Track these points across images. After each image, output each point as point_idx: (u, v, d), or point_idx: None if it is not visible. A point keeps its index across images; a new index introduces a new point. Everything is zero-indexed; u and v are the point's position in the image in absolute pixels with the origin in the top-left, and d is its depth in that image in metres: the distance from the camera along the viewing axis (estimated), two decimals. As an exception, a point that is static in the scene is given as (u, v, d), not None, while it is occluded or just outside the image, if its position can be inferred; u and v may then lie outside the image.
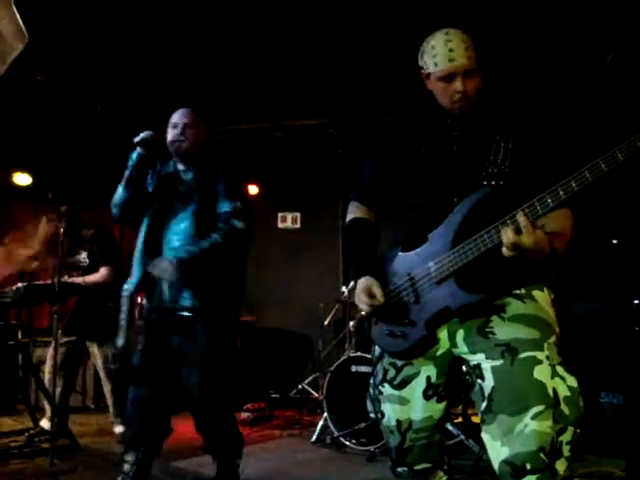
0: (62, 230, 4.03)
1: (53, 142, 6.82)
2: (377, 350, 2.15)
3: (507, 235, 1.72)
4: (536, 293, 1.92)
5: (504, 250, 1.74)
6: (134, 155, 3.01)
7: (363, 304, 2.02)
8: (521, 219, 1.71)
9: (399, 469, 2.15)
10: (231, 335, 3.12)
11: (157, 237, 3.05)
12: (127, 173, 3.04)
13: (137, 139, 3.00)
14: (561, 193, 1.69)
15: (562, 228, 1.88)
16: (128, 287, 3.13)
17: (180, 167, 3.19)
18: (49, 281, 4.17)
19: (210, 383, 2.94)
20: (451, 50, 1.93)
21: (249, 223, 3.07)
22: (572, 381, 1.75)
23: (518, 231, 1.71)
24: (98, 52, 5.13)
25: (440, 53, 1.95)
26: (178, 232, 3.00)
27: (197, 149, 3.16)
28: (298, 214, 7.13)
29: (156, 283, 2.99)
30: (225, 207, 3.03)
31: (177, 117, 3.18)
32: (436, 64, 1.96)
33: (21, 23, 2.72)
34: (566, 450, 1.71)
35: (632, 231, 5.45)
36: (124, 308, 3.11)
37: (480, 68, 1.99)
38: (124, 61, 5.30)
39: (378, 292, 2.00)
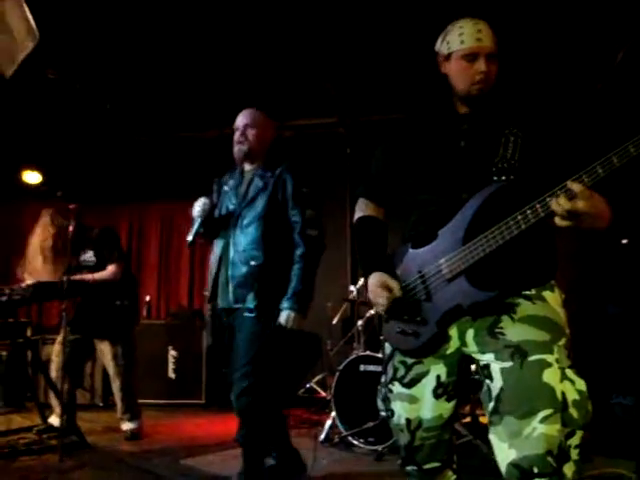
0: (71, 228, 4.05)
1: (63, 140, 6.85)
2: (388, 348, 2.15)
3: (560, 203, 1.66)
4: (547, 294, 1.90)
5: (557, 220, 1.69)
6: (196, 226, 3.07)
7: (381, 298, 2.00)
8: (575, 186, 1.65)
9: (408, 468, 2.15)
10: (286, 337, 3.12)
11: (227, 241, 3.11)
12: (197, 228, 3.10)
13: (196, 215, 3.07)
14: (614, 161, 1.64)
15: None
16: (206, 293, 3.26)
17: (247, 167, 3.23)
18: (57, 279, 4.18)
19: (262, 378, 3.00)
20: (479, 31, 1.97)
21: (322, 229, 3.12)
22: (581, 384, 1.73)
23: (572, 198, 1.65)
24: (108, 51, 5.15)
25: (468, 32, 1.97)
26: (246, 235, 3.05)
27: (260, 149, 3.18)
28: (307, 213, 7.11)
29: (223, 285, 3.08)
30: (296, 215, 3.06)
31: (238, 119, 3.21)
32: (462, 41, 1.97)
33: (32, 22, 2.73)
34: (574, 454, 1.69)
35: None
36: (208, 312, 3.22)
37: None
38: (134, 61, 5.32)
39: (394, 285, 1.99)
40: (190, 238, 3.05)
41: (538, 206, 1.74)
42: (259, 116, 3.23)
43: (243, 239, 3.05)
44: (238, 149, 3.16)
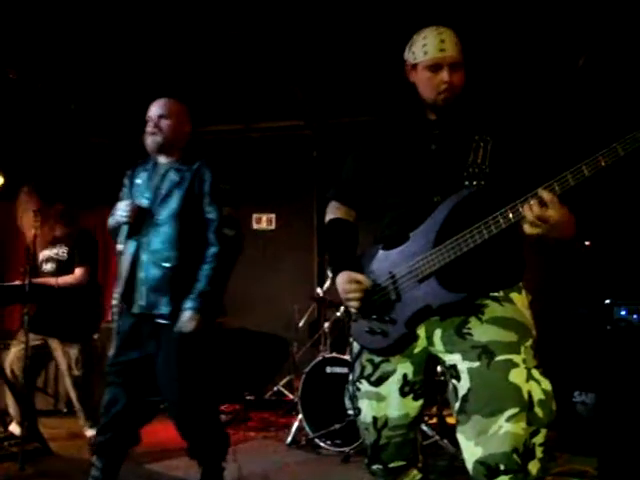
0: (38, 227, 4.00)
1: (26, 141, 6.73)
2: (356, 347, 2.15)
3: (532, 209, 1.69)
4: (514, 295, 1.93)
5: (526, 227, 1.72)
6: (124, 232, 2.89)
7: (350, 293, 2.00)
8: (545, 194, 1.68)
9: (374, 466, 2.15)
10: (207, 340, 2.97)
11: (140, 239, 2.91)
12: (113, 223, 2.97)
13: (121, 220, 2.89)
14: (584, 172, 1.68)
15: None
16: (116, 296, 3.02)
17: (161, 160, 3.03)
18: (19, 282, 4.10)
19: (189, 388, 2.86)
20: (442, 41, 1.98)
21: (240, 230, 2.98)
22: (546, 384, 1.77)
23: (542, 205, 1.68)
24: (72, 51, 5.07)
25: (431, 43, 1.99)
26: (158, 234, 2.87)
27: (176, 141, 3.00)
28: (273, 215, 7.12)
29: (134, 290, 2.89)
30: (213, 213, 2.90)
31: (151, 109, 3.04)
32: (426, 52, 1.99)
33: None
34: (539, 451, 1.73)
35: (604, 232, 5.51)
36: (116, 317, 2.98)
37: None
38: (98, 60, 5.25)
39: (362, 278, 2.00)
40: (120, 247, 2.88)
41: (510, 212, 1.76)
42: (174, 106, 3.07)
43: (156, 238, 2.87)
44: (151, 140, 2.97)
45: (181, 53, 5.21)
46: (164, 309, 2.82)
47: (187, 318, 2.78)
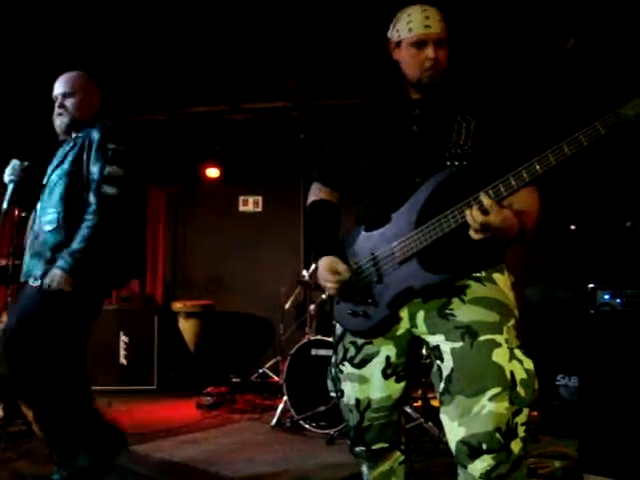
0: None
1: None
2: (339, 329, 2.15)
3: (474, 215, 1.71)
4: (496, 276, 1.94)
5: (472, 232, 1.74)
6: (9, 191, 2.78)
7: (328, 282, 2.01)
8: (485, 200, 1.71)
9: (357, 448, 2.16)
10: (77, 309, 2.64)
11: (37, 209, 2.79)
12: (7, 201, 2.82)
13: (7, 179, 2.79)
14: (525, 175, 1.70)
15: (529, 206, 1.89)
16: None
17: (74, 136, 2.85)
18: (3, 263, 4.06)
19: (35, 357, 2.56)
20: (427, 18, 1.98)
21: (126, 191, 2.68)
22: (529, 364, 1.78)
23: (484, 211, 1.70)
24: (51, 31, 4.99)
25: (416, 19, 1.98)
26: (50, 199, 2.71)
27: (85, 117, 2.82)
28: (260, 197, 7.10)
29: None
30: (95, 173, 2.65)
31: (55, 87, 2.85)
32: (410, 29, 1.98)
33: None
34: (521, 431, 1.74)
35: (589, 217, 5.54)
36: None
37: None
38: (78, 41, 5.17)
39: (342, 268, 1.99)
40: (5, 206, 2.75)
41: (491, 191, 1.76)
42: (79, 80, 2.88)
43: (46, 204, 2.72)
44: (59, 122, 2.82)
45: (166, 34, 5.14)
46: (38, 272, 2.65)
47: (53, 275, 2.54)
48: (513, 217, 1.75)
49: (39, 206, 2.79)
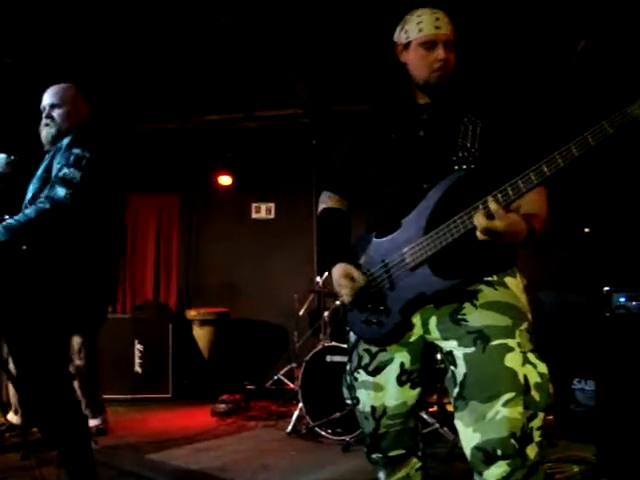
0: None
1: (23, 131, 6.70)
2: (352, 337, 2.15)
3: (479, 221, 1.70)
4: (508, 280, 1.93)
5: (478, 235, 1.73)
6: None
7: (344, 289, 2.00)
8: (492, 205, 1.70)
9: (374, 455, 2.15)
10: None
11: None
12: None
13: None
14: (533, 177, 1.69)
15: (538, 209, 1.88)
16: None
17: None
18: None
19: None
20: (437, 19, 1.99)
21: (78, 194, 2.55)
22: (542, 368, 1.76)
23: (490, 216, 1.70)
24: (66, 40, 5.04)
25: (426, 20, 1.99)
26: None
27: (69, 131, 2.77)
28: (272, 204, 7.10)
29: None
30: (54, 172, 2.60)
31: (43, 98, 2.85)
32: (421, 30, 1.98)
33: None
34: (536, 435, 1.73)
35: (604, 220, 5.51)
36: None
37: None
38: (92, 50, 5.22)
39: (358, 275, 1.99)
40: None
41: (499, 195, 1.75)
42: (67, 91, 2.88)
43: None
44: (45, 132, 2.81)
45: (179, 42, 5.17)
46: None
47: None
48: (520, 221, 1.74)
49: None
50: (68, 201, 2.52)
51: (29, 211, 2.51)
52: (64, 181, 2.55)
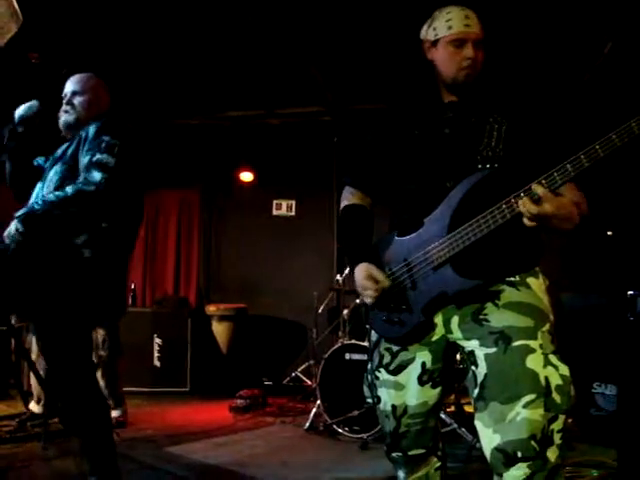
0: None
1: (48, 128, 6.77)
2: (374, 336, 2.14)
3: (527, 206, 1.68)
4: (531, 280, 1.91)
5: (526, 222, 1.71)
6: (9, 131, 2.75)
7: (368, 290, 1.99)
8: (539, 189, 1.68)
9: (394, 454, 2.15)
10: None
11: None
12: (7, 144, 2.80)
13: (17, 116, 2.76)
14: (584, 160, 1.66)
15: (580, 197, 1.85)
16: None
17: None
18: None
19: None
20: (467, 17, 1.97)
21: (111, 178, 2.58)
22: (564, 370, 1.75)
23: (537, 201, 1.68)
24: (96, 35, 5.08)
25: (456, 18, 1.97)
26: (48, 187, 2.70)
27: (91, 118, 2.80)
28: (293, 201, 7.12)
29: None
30: (86, 160, 2.61)
31: (66, 86, 2.86)
32: (450, 27, 1.97)
33: (15, 4, 2.68)
34: (557, 438, 1.71)
35: (627, 223, 5.45)
36: None
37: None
38: (119, 46, 5.26)
39: (381, 276, 1.98)
40: (5, 137, 2.73)
41: (523, 195, 1.74)
42: (90, 81, 2.89)
43: (45, 191, 2.68)
44: (64, 119, 2.83)
45: (202, 39, 5.20)
46: None
47: (7, 230, 2.55)
48: (570, 204, 1.73)
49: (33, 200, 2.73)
50: (102, 186, 2.55)
51: (69, 189, 2.52)
52: (99, 165, 2.57)
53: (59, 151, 2.84)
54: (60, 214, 2.54)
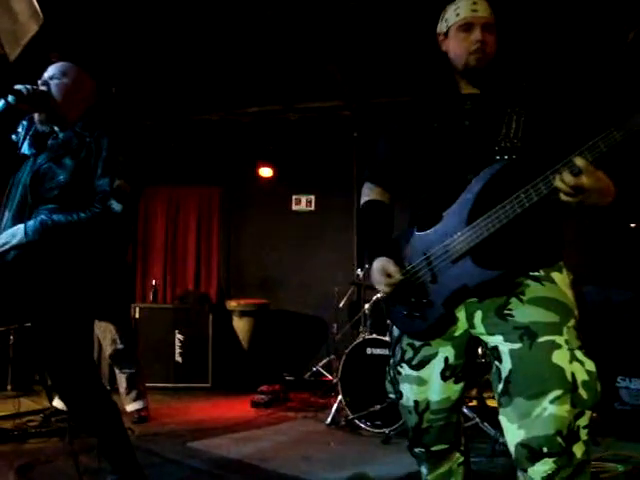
0: None
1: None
2: (395, 331, 2.14)
3: (566, 179, 1.66)
4: (555, 275, 1.89)
5: (562, 196, 1.70)
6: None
7: (380, 284, 2.01)
8: (579, 161, 1.66)
9: (416, 450, 2.14)
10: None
11: (25, 199, 2.61)
12: None
13: (16, 87, 2.60)
14: (617, 135, 1.64)
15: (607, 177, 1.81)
16: None
17: (56, 129, 2.73)
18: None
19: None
20: (475, 3, 2.00)
21: (128, 204, 2.58)
22: (590, 365, 1.73)
23: (577, 174, 1.66)
24: (113, 34, 5.11)
25: (463, 6, 2.01)
26: (46, 201, 2.58)
27: (66, 107, 2.69)
28: (313, 197, 7.12)
29: None
30: (104, 184, 2.56)
31: (46, 70, 2.74)
32: (458, 14, 2.00)
33: (36, 3, 2.69)
34: (583, 434, 1.70)
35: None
36: None
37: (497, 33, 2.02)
38: (138, 43, 5.28)
39: (394, 270, 1.99)
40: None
41: (541, 184, 1.74)
42: (72, 70, 2.76)
43: (38, 199, 2.58)
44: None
45: (222, 35, 5.20)
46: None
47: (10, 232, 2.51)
48: (608, 180, 1.72)
49: (34, 196, 2.60)
50: (124, 213, 2.55)
51: (83, 215, 2.50)
52: (119, 194, 2.56)
53: (49, 144, 2.71)
54: (73, 232, 2.51)
